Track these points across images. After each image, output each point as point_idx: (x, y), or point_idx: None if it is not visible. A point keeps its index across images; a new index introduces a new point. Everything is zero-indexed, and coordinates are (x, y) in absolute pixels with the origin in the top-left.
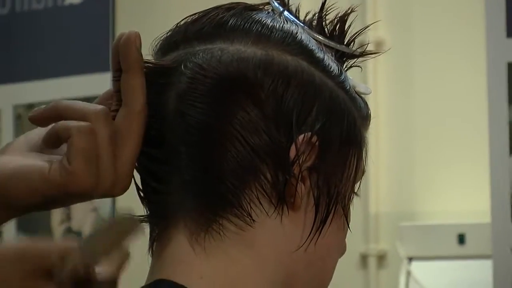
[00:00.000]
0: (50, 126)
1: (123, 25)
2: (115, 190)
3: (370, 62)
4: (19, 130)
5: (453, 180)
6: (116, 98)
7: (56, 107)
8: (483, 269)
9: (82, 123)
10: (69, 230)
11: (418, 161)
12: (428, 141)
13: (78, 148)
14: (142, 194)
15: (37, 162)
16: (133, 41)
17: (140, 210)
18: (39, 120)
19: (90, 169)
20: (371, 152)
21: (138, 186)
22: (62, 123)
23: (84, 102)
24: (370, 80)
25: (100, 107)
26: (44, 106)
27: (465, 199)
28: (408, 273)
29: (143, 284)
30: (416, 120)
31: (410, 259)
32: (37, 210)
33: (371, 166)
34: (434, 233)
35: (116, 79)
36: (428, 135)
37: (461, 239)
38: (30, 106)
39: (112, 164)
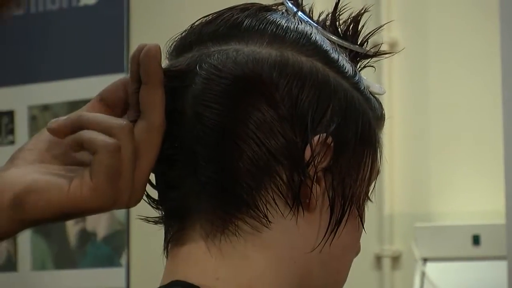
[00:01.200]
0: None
1: (137, 26)
2: (131, 202)
3: (384, 63)
4: (33, 131)
5: (468, 181)
6: (135, 109)
7: (79, 120)
8: (498, 270)
9: (109, 140)
10: (83, 231)
11: (432, 161)
12: (442, 141)
13: (103, 165)
14: (154, 195)
15: (55, 177)
16: (154, 54)
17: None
18: (60, 132)
19: (112, 185)
20: (385, 153)
21: (153, 184)
22: (89, 135)
23: (108, 116)
24: (385, 80)
25: (125, 122)
26: (65, 117)
27: (480, 200)
28: (423, 274)
29: (158, 284)
30: (430, 121)
31: (425, 260)
32: (50, 223)
33: (386, 167)
34: (449, 234)
35: (136, 91)
36: (442, 136)
37: (476, 240)
38: (45, 107)
39: (132, 179)
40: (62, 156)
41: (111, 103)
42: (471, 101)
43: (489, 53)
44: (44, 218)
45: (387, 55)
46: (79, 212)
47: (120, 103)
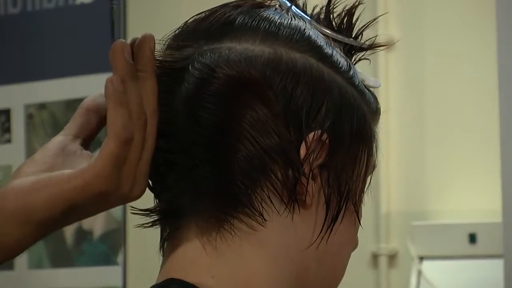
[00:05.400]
0: (53, 149)
1: (134, 25)
2: (133, 194)
3: (380, 61)
4: (30, 129)
5: (465, 179)
6: None
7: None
8: (494, 269)
9: (123, 132)
10: (80, 229)
11: (429, 160)
12: (439, 139)
13: (112, 154)
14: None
15: (56, 173)
16: (148, 42)
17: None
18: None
19: (114, 173)
20: (381, 151)
21: (151, 186)
22: (111, 116)
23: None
24: (381, 79)
25: (144, 116)
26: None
27: (477, 198)
28: (419, 273)
29: (154, 283)
30: (427, 119)
31: (421, 258)
32: (62, 223)
33: (382, 165)
34: (445, 232)
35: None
36: (439, 134)
37: (472, 238)
38: (42, 106)
39: (135, 169)
40: (64, 164)
41: (99, 107)
42: (468, 98)
43: (486, 49)
44: (53, 216)
45: (382, 48)
46: (84, 199)
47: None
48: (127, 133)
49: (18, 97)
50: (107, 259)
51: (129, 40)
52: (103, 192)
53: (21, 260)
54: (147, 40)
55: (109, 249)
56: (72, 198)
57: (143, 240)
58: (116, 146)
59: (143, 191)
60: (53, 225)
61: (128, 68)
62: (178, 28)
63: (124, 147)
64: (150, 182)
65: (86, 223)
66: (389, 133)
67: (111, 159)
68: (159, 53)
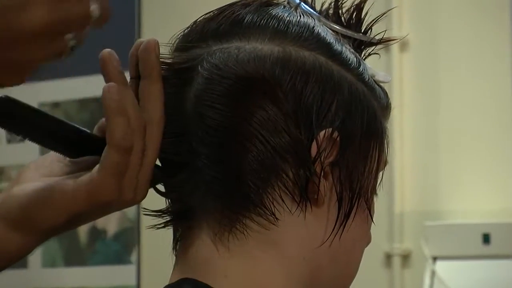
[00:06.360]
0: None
1: (148, 25)
2: (135, 199)
3: (395, 62)
4: None
5: (479, 179)
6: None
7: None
8: (508, 269)
9: (123, 142)
10: (93, 228)
11: (443, 160)
12: (453, 139)
13: (113, 163)
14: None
15: (57, 182)
16: (153, 48)
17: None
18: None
19: (116, 182)
20: (395, 151)
21: (159, 190)
22: (111, 125)
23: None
24: (396, 79)
25: (144, 123)
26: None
27: (491, 199)
28: (433, 273)
29: (166, 283)
30: (440, 119)
31: (435, 258)
32: (64, 230)
33: (396, 165)
34: (459, 232)
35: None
36: (453, 134)
37: (486, 238)
38: (55, 104)
39: (137, 176)
40: (63, 170)
41: None
42: (481, 100)
43: (500, 49)
44: (57, 226)
45: (392, 42)
46: (85, 210)
47: None
48: (127, 142)
49: (32, 96)
50: (120, 258)
51: (135, 43)
52: (106, 201)
53: (35, 259)
54: (152, 45)
55: (123, 248)
56: (76, 209)
57: (157, 239)
58: (117, 156)
59: (144, 196)
60: (55, 233)
61: (120, 76)
62: (187, 28)
63: (124, 156)
64: (161, 183)
65: (100, 222)
66: (403, 133)
67: (113, 169)
68: (168, 54)
